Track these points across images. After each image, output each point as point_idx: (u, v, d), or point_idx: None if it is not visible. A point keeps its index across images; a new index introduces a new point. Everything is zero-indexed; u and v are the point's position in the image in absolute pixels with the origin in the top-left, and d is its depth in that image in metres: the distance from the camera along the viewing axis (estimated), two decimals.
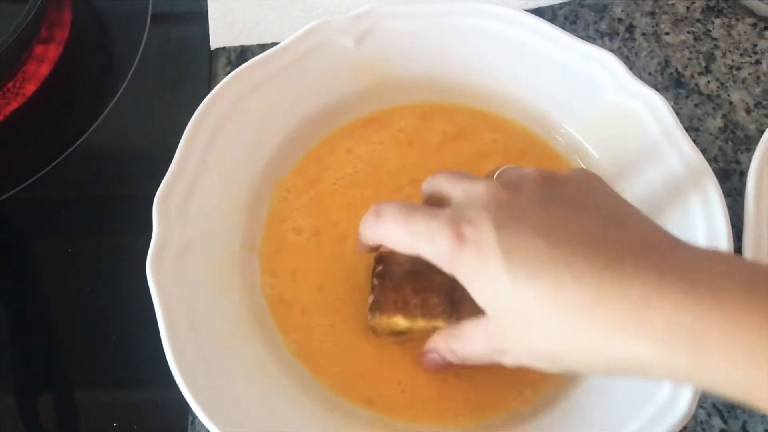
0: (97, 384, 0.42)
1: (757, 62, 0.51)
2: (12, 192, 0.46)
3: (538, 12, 0.52)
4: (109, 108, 0.49)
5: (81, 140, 0.48)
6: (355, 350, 0.39)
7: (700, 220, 0.40)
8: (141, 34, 0.52)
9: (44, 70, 0.51)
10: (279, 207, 0.44)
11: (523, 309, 0.29)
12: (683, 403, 0.36)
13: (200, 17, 0.53)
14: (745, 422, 0.40)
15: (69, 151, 0.48)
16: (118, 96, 0.50)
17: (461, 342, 0.35)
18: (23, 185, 0.47)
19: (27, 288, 0.44)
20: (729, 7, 0.53)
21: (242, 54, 0.52)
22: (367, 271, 0.41)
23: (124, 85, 0.50)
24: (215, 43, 0.50)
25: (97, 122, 0.49)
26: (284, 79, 0.46)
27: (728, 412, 0.40)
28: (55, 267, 0.46)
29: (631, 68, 0.44)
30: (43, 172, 0.47)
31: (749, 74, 0.51)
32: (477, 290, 0.31)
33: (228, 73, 0.51)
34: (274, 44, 0.46)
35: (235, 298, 0.41)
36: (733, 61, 0.51)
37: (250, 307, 0.41)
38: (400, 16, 0.47)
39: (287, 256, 0.43)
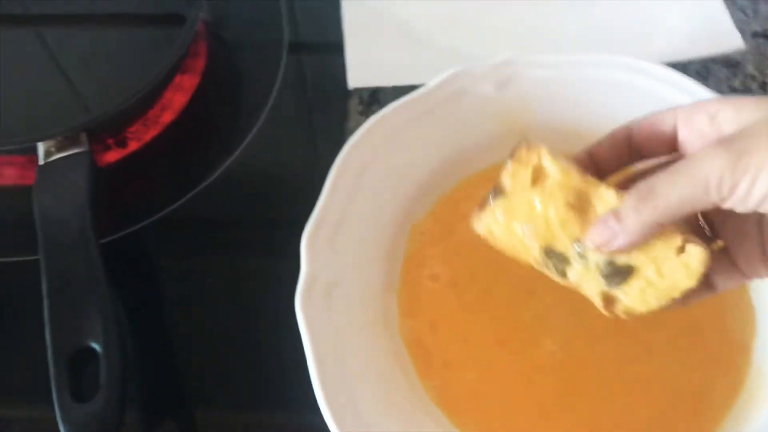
0: (240, 406, 0.42)
1: None
2: (156, 216, 0.47)
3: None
4: (248, 138, 0.50)
5: (222, 168, 0.49)
6: (504, 405, 0.39)
7: None
8: (278, 63, 0.53)
9: (182, 98, 0.52)
10: (415, 250, 0.45)
11: None
12: None
13: (336, 48, 0.54)
14: None
15: (210, 179, 0.49)
16: (258, 125, 0.51)
17: (671, 177, 0.29)
18: (166, 210, 0.48)
19: (170, 307, 0.45)
20: None
21: (374, 94, 0.53)
22: (516, 323, 0.41)
23: (264, 114, 0.51)
24: (353, 82, 0.51)
25: (237, 151, 0.50)
26: (425, 123, 0.46)
27: None
28: (191, 287, 0.47)
29: None
30: (183, 200, 0.48)
31: None
32: None
33: (360, 112, 0.52)
34: (409, 86, 0.47)
35: (377, 336, 0.41)
36: None
37: (390, 346, 0.41)
38: (541, 65, 0.47)
39: (425, 303, 0.43)
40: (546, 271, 0.34)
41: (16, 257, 0.45)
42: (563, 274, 0.34)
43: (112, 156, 0.50)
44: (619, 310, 0.33)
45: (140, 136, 0.50)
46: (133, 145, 0.50)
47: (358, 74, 0.51)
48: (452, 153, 0.47)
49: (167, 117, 0.51)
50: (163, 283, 0.46)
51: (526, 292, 0.43)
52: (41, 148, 0.44)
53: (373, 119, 0.46)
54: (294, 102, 0.53)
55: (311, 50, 0.56)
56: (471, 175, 0.47)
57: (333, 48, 0.54)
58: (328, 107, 0.53)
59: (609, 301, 0.33)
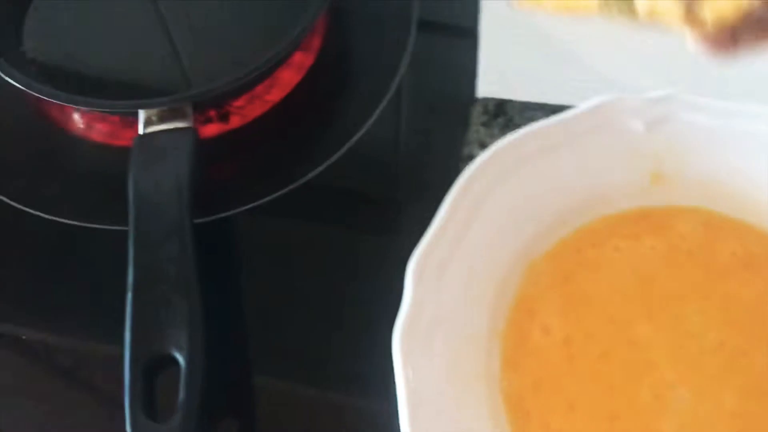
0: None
1: None
2: (245, 206, 0.44)
3: None
4: (359, 133, 0.46)
5: (326, 163, 0.45)
6: None
7: None
8: (403, 48, 0.48)
9: (292, 77, 0.48)
10: (528, 293, 0.40)
11: None
12: None
13: (468, 35, 0.49)
14: None
15: (311, 174, 0.45)
16: (373, 118, 0.46)
17: None
18: (257, 202, 0.44)
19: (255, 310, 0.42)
20: None
21: (501, 105, 0.48)
22: (632, 398, 0.37)
23: (382, 105, 0.47)
24: (483, 92, 0.46)
25: (344, 147, 0.45)
26: (559, 153, 0.42)
27: None
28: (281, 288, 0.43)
29: None
30: (276, 194, 0.44)
31: None
32: None
33: (484, 122, 0.48)
34: (541, 104, 0.42)
35: (475, 385, 0.37)
36: None
37: (488, 399, 0.37)
38: (702, 109, 0.42)
39: (532, 357, 0.39)
40: (613, 13, 0.30)
41: (99, 224, 0.42)
42: (631, 10, 0.29)
43: (211, 130, 0.46)
44: (706, 17, 0.29)
45: (244, 112, 0.46)
46: (235, 121, 0.46)
47: (490, 83, 0.47)
48: (583, 192, 0.42)
49: (275, 95, 0.47)
50: (250, 281, 0.43)
51: (647, 362, 0.38)
52: (142, 115, 0.41)
53: (502, 144, 0.41)
54: (415, 95, 0.48)
55: (445, 30, 0.51)
56: (598, 220, 0.42)
57: (465, 33, 0.49)
58: (449, 109, 0.48)
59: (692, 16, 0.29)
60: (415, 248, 0.38)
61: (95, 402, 0.40)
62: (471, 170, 0.40)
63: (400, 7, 0.50)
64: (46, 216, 0.43)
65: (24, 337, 0.42)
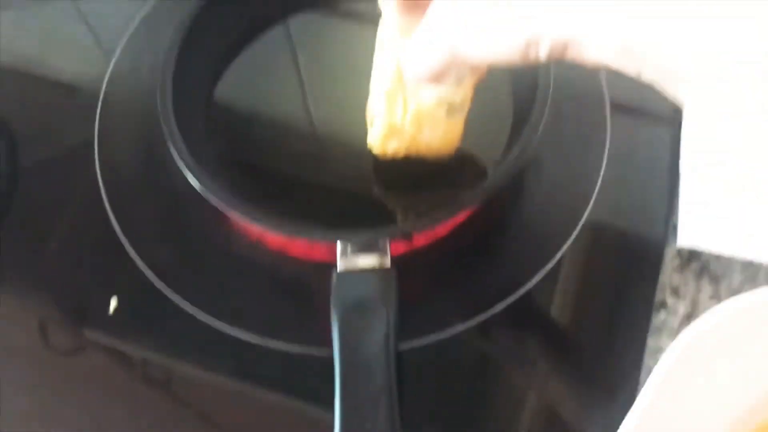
0: None
1: None
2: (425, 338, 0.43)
3: None
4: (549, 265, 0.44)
5: (516, 294, 0.44)
6: None
7: None
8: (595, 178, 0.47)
9: None
10: None
11: None
12: None
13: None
14: None
15: (498, 307, 0.43)
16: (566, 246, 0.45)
17: None
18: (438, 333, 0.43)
19: None
20: None
21: (694, 253, 0.45)
22: None
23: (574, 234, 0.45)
24: (683, 241, 0.44)
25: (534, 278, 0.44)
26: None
27: None
28: None
29: None
30: (462, 325, 0.43)
31: None
32: None
33: (676, 266, 0.45)
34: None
35: None
36: None
37: None
38: None
39: None
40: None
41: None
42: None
43: (396, 249, 0.45)
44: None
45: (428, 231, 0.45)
46: (420, 241, 0.45)
47: (690, 233, 0.44)
48: None
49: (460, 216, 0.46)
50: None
51: None
52: (339, 245, 0.40)
53: (714, 317, 0.39)
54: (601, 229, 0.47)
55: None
56: None
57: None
58: (641, 250, 0.46)
59: None
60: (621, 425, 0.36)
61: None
62: (685, 341, 0.38)
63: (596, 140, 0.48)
64: (230, 330, 0.43)
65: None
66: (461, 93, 0.41)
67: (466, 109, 0.42)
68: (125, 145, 0.51)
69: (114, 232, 0.47)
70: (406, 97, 0.41)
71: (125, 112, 0.52)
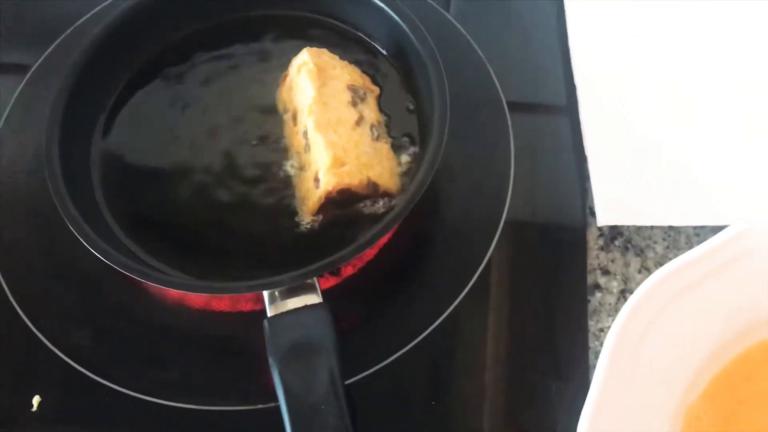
0: None
1: None
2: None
3: None
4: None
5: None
6: None
7: None
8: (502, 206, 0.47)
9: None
10: None
11: None
12: None
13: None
14: None
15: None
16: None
17: None
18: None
19: None
20: None
21: (616, 230, 0.46)
22: None
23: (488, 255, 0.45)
24: (603, 220, 0.45)
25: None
26: (704, 288, 0.40)
27: None
28: None
29: None
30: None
31: None
32: None
33: (601, 246, 0.46)
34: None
35: None
36: None
37: None
38: None
39: None
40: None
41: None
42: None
43: (326, 284, 0.44)
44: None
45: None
46: (347, 271, 0.44)
47: (608, 210, 0.45)
48: (730, 324, 0.40)
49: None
50: None
51: None
52: (266, 294, 0.38)
53: (646, 287, 0.39)
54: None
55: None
56: (748, 350, 0.41)
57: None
58: (564, 237, 0.46)
59: None
60: (584, 407, 0.36)
61: None
62: (623, 317, 0.39)
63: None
64: (167, 403, 0.40)
65: None
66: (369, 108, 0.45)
67: (383, 131, 0.45)
68: (19, 230, 0.47)
69: (26, 326, 0.44)
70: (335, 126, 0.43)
71: (14, 198, 0.49)
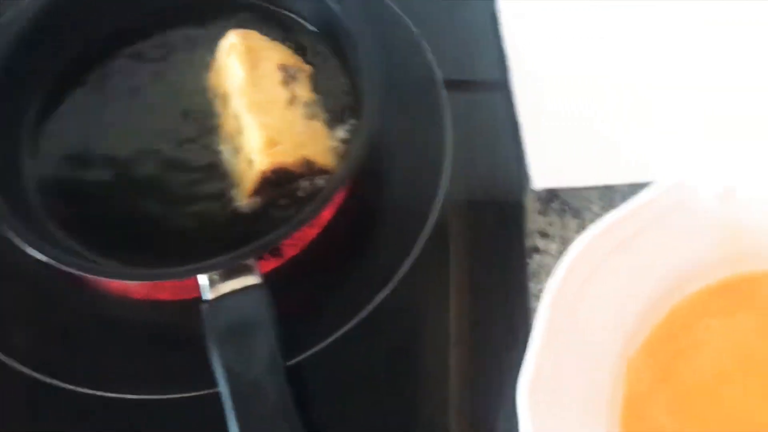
0: None
1: None
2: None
3: None
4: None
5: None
6: None
7: None
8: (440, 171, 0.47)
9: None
10: (633, 393, 0.39)
11: None
12: None
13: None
14: None
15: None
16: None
17: None
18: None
19: None
20: None
21: (552, 189, 0.47)
22: None
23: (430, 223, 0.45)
24: (539, 183, 0.45)
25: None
26: (639, 243, 0.41)
27: None
28: None
29: None
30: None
31: None
32: None
33: (539, 210, 0.47)
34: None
35: None
36: None
37: None
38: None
39: None
40: None
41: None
42: None
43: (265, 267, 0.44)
44: None
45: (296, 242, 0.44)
46: (289, 252, 0.44)
47: (542, 174, 0.45)
48: (667, 274, 0.41)
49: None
50: None
51: None
52: (204, 279, 0.38)
53: (580, 245, 0.40)
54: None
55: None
56: (685, 301, 0.41)
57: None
58: (503, 209, 0.47)
59: None
60: (522, 367, 0.37)
61: None
62: (557, 279, 0.39)
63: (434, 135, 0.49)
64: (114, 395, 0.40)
65: None
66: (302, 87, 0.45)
67: (318, 109, 0.45)
68: None
69: None
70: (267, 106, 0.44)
71: None
